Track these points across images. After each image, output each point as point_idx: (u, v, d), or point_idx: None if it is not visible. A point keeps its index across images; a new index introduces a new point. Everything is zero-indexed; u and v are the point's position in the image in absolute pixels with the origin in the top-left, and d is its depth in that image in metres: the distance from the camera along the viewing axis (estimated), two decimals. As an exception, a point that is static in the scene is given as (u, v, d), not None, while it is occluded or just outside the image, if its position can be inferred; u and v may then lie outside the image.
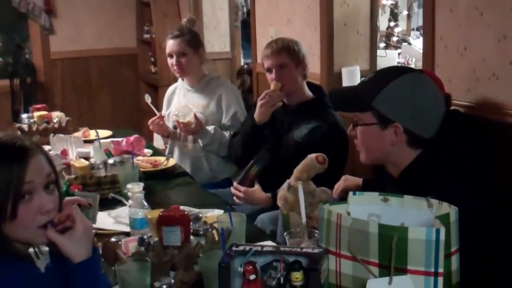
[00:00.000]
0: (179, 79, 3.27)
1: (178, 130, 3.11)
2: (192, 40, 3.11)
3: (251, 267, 1.23)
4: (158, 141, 3.71)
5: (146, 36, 5.61)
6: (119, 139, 3.05)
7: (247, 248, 1.29)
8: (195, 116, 2.95)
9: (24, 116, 3.35)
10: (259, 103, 2.65)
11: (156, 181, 2.62)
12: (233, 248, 1.30)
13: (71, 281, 1.28)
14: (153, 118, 3.11)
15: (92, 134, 3.43)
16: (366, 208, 1.37)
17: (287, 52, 2.62)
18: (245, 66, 5.38)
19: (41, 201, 1.26)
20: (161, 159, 2.92)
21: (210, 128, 3.02)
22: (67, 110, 4.15)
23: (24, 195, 1.24)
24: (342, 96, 1.83)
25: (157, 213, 1.71)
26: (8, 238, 1.25)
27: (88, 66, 5.57)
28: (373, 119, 1.62)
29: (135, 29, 5.70)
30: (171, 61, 3.12)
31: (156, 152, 3.17)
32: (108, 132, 3.56)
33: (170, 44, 3.10)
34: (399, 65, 4.67)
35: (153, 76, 5.57)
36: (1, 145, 1.26)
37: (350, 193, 1.41)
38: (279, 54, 2.62)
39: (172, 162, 2.90)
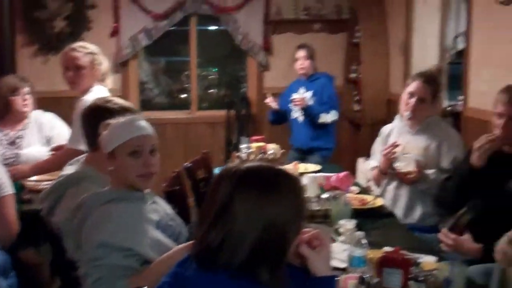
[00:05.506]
0: (396, 119, 3.31)
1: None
2: (434, 88, 3.16)
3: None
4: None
5: (353, 75, 5.75)
6: (330, 174, 3.19)
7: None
8: (417, 165, 2.98)
9: (243, 146, 3.66)
10: (475, 146, 2.58)
11: (363, 219, 2.65)
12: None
13: None
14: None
15: (301, 167, 3.64)
16: None
17: None
18: (449, 108, 5.22)
19: None
20: (369, 198, 2.99)
21: (431, 171, 3.02)
22: (271, 142, 4.38)
23: None
24: None
25: (377, 253, 1.78)
26: None
27: (296, 102, 5.81)
28: None
29: (342, 68, 5.87)
30: (407, 100, 3.15)
31: (363, 190, 3.25)
32: (317, 167, 3.73)
33: (415, 85, 3.14)
34: None
35: (356, 115, 5.67)
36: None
37: None
38: None
39: (379, 202, 2.96)
